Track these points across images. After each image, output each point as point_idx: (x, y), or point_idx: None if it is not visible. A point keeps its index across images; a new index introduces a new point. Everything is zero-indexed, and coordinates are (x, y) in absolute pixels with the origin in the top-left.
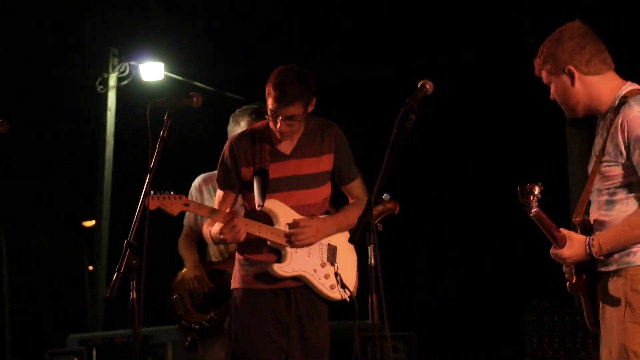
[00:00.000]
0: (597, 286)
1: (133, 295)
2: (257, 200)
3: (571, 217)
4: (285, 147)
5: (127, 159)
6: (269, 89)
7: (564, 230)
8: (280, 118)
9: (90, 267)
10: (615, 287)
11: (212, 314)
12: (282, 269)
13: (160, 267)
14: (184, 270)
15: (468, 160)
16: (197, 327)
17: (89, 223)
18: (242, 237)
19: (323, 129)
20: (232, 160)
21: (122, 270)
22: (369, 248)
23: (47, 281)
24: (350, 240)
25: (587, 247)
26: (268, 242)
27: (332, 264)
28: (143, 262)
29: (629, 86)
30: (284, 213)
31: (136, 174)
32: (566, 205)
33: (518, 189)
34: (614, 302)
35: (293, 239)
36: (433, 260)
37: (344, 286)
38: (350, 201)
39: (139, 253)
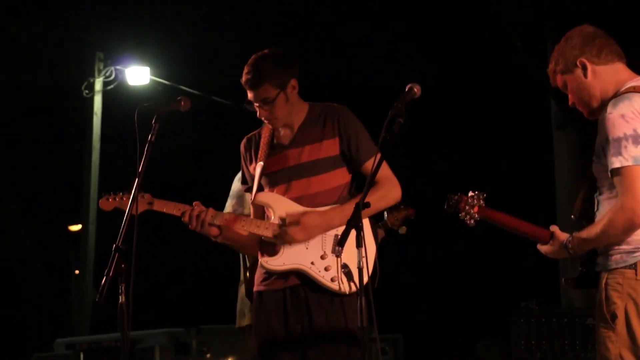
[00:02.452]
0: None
1: (122, 299)
2: (253, 194)
3: (563, 216)
4: (285, 138)
5: (113, 163)
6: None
7: (553, 228)
8: (257, 104)
9: (77, 271)
10: (598, 289)
11: None
12: (270, 263)
13: (148, 271)
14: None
15: (455, 163)
16: None
17: (76, 227)
18: (206, 228)
19: (326, 113)
20: (243, 161)
21: (110, 275)
22: (357, 250)
23: (33, 286)
24: (339, 243)
25: (565, 246)
26: (262, 238)
27: (338, 256)
28: (132, 266)
29: (632, 82)
30: (278, 205)
31: (123, 178)
32: (553, 207)
33: (446, 200)
34: (597, 303)
35: (279, 238)
36: (420, 262)
37: (350, 278)
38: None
39: (127, 257)
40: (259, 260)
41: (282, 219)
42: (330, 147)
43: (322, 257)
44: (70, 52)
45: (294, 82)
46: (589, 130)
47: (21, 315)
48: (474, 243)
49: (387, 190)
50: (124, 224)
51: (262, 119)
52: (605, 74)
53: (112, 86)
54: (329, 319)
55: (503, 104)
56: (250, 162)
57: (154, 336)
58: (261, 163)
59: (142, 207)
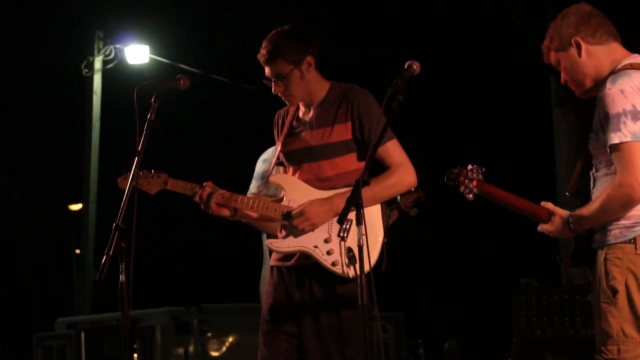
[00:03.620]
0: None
1: (122, 278)
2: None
3: (563, 193)
4: (304, 117)
5: (113, 142)
6: None
7: (550, 206)
8: (272, 79)
9: (77, 251)
10: (596, 265)
11: None
12: (275, 245)
13: (149, 250)
14: None
15: (455, 141)
16: None
17: (76, 207)
18: (213, 209)
19: (343, 96)
20: (274, 137)
21: (111, 254)
22: (357, 228)
23: (33, 265)
24: (338, 221)
25: (567, 223)
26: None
27: (343, 239)
28: (132, 245)
29: (629, 59)
30: (289, 187)
31: (123, 156)
32: (553, 185)
33: (445, 175)
34: (595, 280)
35: (290, 227)
36: (420, 240)
37: (354, 263)
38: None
39: (127, 236)
40: (266, 241)
41: (287, 213)
42: (342, 132)
43: (326, 241)
44: (69, 30)
45: (310, 59)
46: (588, 108)
47: (22, 295)
48: (474, 220)
49: (400, 178)
50: (124, 202)
51: (279, 94)
52: (599, 53)
53: (111, 65)
54: (329, 301)
55: (502, 81)
56: (278, 139)
57: (155, 315)
58: (280, 142)
59: (157, 187)
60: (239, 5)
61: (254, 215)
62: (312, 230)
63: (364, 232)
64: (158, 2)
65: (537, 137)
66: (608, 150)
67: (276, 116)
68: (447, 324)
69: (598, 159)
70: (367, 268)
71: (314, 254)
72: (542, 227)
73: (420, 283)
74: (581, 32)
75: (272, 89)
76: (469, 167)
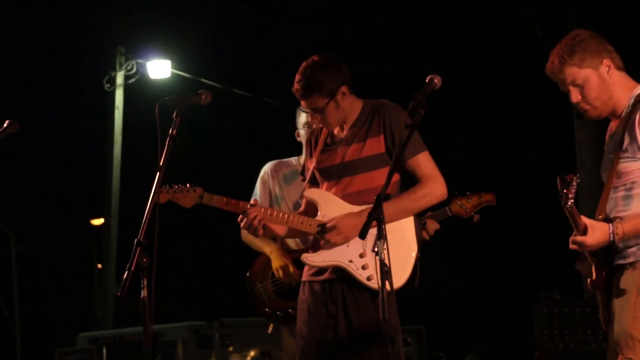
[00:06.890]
0: (612, 282)
1: (144, 293)
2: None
3: (595, 214)
4: (338, 135)
5: (135, 157)
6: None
7: (584, 219)
8: (310, 112)
9: (99, 266)
10: (628, 278)
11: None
12: (310, 259)
13: (170, 265)
14: (262, 258)
15: (477, 154)
16: (281, 314)
17: (98, 221)
18: (259, 230)
19: (375, 111)
20: (306, 153)
21: (132, 269)
22: (378, 242)
23: (56, 280)
24: (360, 235)
25: (612, 234)
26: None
27: (377, 254)
28: (154, 260)
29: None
30: (324, 202)
31: (145, 171)
32: (576, 196)
33: (558, 179)
34: (626, 293)
35: (324, 241)
36: (441, 252)
37: (387, 277)
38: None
39: (149, 251)
40: (302, 255)
41: (321, 225)
42: (374, 146)
43: (361, 256)
44: (91, 46)
45: (344, 88)
46: (609, 119)
47: (44, 309)
48: (495, 232)
49: (430, 189)
50: (146, 217)
51: (317, 122)
52: (620, 79)
53: (133, 80)
54: (362, 315)
55: (523, 93)
56: (310, 156)
57: (177, 330)
58: (315, 158)
59: (193, 201)
60: (259, 19)
61: (284, 229)
62: (345, 243)
63: (385, 247)
64: (179, 18)
65: (558, 148)
66: None
67: (309, 134)
68: (469, 337)
69: (630, 178)
70: (399, 283)
71: (348, 268)
72: (580, 239)
73: (442, 296)
74: (607, 53)
75: (311, 119)
76: (575, 175)
